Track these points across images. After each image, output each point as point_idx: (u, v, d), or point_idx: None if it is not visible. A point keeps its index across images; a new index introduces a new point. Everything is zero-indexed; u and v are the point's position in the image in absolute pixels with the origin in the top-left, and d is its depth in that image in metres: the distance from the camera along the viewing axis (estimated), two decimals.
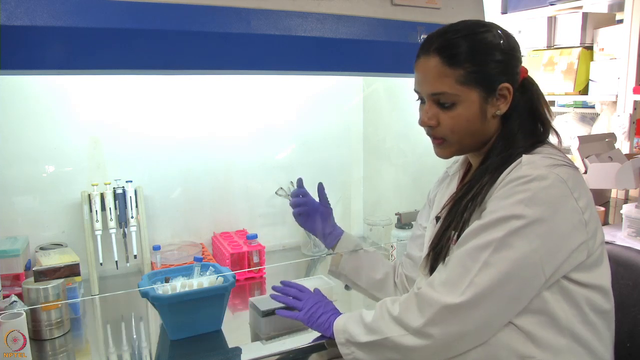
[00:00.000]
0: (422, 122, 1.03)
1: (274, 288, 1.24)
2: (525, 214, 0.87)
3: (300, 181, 1.40)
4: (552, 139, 1.04)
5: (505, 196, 0.90)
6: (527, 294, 0.90)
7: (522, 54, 1.05)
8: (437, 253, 1.01)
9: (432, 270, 1.01)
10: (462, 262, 0.92)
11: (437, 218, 1.09)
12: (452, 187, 1.14)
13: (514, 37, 1.02)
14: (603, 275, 0.96)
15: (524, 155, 0.94)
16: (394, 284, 1.30)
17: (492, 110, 1.00)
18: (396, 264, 1.33)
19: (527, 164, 0.91)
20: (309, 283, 1.40)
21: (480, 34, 0.99)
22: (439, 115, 1.00)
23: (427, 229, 1.19)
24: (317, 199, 1.39)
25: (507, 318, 0.92)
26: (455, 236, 0.98)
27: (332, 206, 1.42)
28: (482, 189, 0.96)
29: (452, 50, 0.97)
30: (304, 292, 1.21)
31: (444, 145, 1.04)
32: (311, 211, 1.37)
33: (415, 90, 1.04)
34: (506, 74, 0.99)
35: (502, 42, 0.99)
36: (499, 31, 1.00)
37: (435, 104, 1.00)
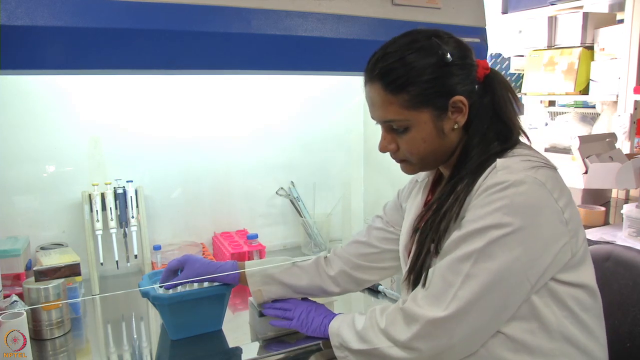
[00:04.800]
0: (381, 149, 1.03)
1: (264, 306, 1.23)
2: (504, 223, 0.85)
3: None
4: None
5: (483, 204, 0.88)
6: (513, 302, 0.89)
7: (474, 57, 0.98)
8: (419, 267, 0.99)
9: (414, 284, 0.99)
10: (443, 275, 0.90)
11: (416, 229, 1.06)
12: (422, 196, 1.13)
13: (462, 42, 0.98)
14: (588, 274, 0.95)
15: (498, 160, 0.91)
16: (329, 280, 1.22)
17: (449, 126, 0.97)
18: (325, 262, 1.24)
19: (503, 169, 0.89)
20: None
21: (419, 52, 0.94)
22: (397, 140, 1.00)
23: (401, 236, 1.16)
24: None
25: (495, 327, 0.90)
26: (434, 249, 0.96)
27: (332, 206, 1.40)
28: (457, 199, 0.93)
29: (392, 76, 0.94)
30: (291, 303, 1.20)
31: (407, 164, 1.04)
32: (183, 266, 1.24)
33: (371, 116, 1.03)
34: (458, 85, 0.95)
35: (448, 53, 0.93)
36: (444, 40, 0.95)
37: (390, 130, 1.00)
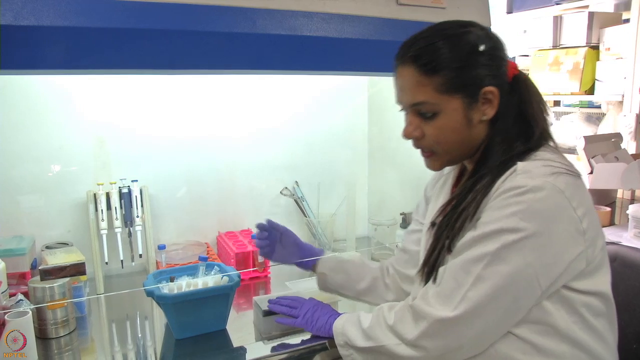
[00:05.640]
0: (405, 135, 1.00)
1: (269, 301, 1.24)
2: (520, 228, 0.84)
3: (262, 225, 1.34)
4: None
5: (499, 207, 0.87)
6: (522, 306, 0.88)
7: (506, 53, 0.99)
8: (432, 264, 0.99)
9: (427, 279, 0.99)
10: (455, 275, 0.90)
11: (433, 224, 1.06)
12: (447, 190, 1.12)
13: (496, 35, 0.98)
14: (603, 281, 0.94)
15: (519, 163, 0.90)
16: (384, 286, 1.26)
17: (477, 117, 0.96)
18: (385, 266, 1.29)
19: (523, 173, 0.88)
20: (313, 283, 1.40)
21: (456, 37, 0.94)
22: (423, 127, 0.97)
23: (423, 231, 1.16)
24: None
25: (503, 330, 0.90)
26: (448, 245, 0.95)
27: (336, 206, 1.41)
28: (475, 198, 0.93)
29: (428, 57, 0.93)
30: (297, 300, 1.21)
31: (433, 157, 1.01)
32: (275, 244, 1.34)
33: (397, 102, 1.01)
34: (490, 77, 0.94)
35: (482, 42, 0.94)
36: (478, 31, 0.95)
37: (417, 115, 0.97)
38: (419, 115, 0.97)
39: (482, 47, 0.93)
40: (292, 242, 1.35)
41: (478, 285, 0.87)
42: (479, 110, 0.95)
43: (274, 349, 1.19)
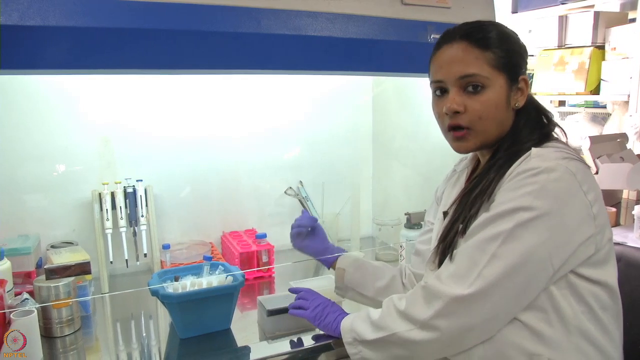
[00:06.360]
0: (448, 109, 0.98)
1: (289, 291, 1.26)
2: (534, 206, 0.87)
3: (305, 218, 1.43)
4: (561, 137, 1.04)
5: (514, 188, 0.90)
6: (535, 286, 0.90)
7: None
8: (445, 246, 1.00)
9: (440, 263, 1.00)
10: (470, 254, 0.91)
11: (445, 213, 1.08)
12: (460, 184, 1.14)
13: None
14: (610, 273, 0.95)
15: (533, 148, 0.94)
16: (402, 285, 1.28)
17: (513, 101, 1.00)
18: (402, 267, 1.31)
19: (537, 157, 0.91)
20: (318, 283, 1.40)
21: (502, 27, 1.02)
22: (466, 102, 0.98)
23: (434, 224, 1.18)
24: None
25: (515, 311, 0.91)
26: (462, 229, 0.97)
27: (340, 206, 1.41)
28: (490, 184, 0.96)
29: (482, 34, 0.98)
30: (311, 293, 1.22)
31: (467, 137, 1.00)
32: (305, 234, 1.40)
33: (436, 81, 1.01)
34: (523, 69, 1.02)
35: (519, 39, 1.02)
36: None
37: (461, 90, 0.98)
38: (464, 90, 0.98)
39: (521, 41, 1.03)
40: (320, 236, 1.40)
41: (493, 263, 0.88)
42: (514, 95, 1.00)
43: (277, 348, 1.19)
